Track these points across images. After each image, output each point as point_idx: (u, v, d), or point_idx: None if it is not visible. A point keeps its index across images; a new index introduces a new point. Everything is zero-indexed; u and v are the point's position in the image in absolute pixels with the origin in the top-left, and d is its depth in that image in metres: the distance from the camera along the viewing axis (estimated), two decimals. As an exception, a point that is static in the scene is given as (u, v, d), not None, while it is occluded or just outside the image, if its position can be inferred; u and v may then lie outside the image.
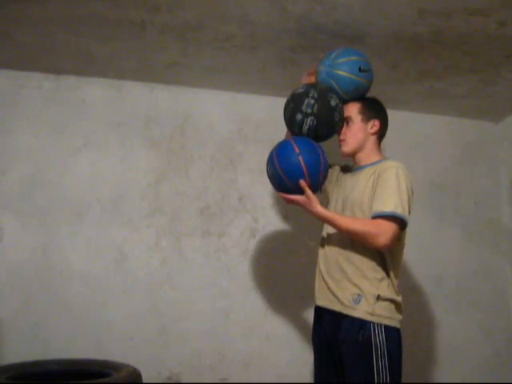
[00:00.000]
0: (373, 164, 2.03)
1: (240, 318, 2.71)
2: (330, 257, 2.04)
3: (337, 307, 1.96)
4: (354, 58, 2.07)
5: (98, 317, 2.53)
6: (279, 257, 2.80)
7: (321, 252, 2.11)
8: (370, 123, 2.06)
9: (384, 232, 1.85)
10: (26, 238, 2.51)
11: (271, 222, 2.82)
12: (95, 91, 2.69)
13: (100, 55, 2.46)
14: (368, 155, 2.07)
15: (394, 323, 1.93)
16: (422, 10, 2.05)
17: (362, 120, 2.06)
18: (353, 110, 2.07)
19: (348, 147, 2.08)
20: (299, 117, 2.00)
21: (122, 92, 2.73)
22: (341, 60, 2.06)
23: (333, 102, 2.01)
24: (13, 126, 2.57)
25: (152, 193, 2.70)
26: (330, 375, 2.03)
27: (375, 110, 2.09)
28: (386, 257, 1.94)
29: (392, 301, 1.93)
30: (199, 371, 2.62)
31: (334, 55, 2.09)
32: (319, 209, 1.93)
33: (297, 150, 1.93)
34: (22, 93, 2.60)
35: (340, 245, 2.01)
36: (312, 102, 1.99)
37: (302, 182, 1.91)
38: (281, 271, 2.79)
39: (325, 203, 2.11)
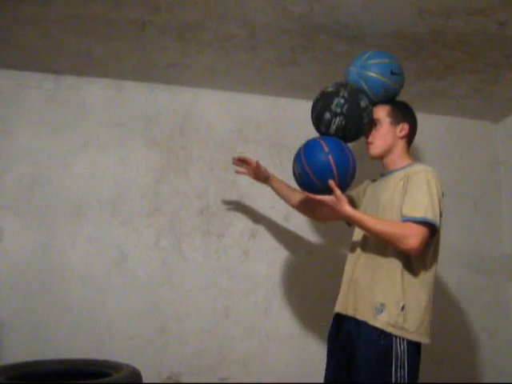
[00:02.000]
0: (402, 169, 2.00)
1: (240, 318, 2.71)
2: (360, 262, 2.00)
3: (358, 315, 1.92)
4: (386, 60, 2.06)
5: (98, 317, 2.53)
6: (279, 257, 2.80)
7: (350, 257, 2.08)
8: (399, 126, 2.04)
9: (414, 234, 1.81)
10: (26, 238, 2.51)
11: (271, 222, 2.82)
12: (95, 91, 2.69)
13: (100, 55, 2.46)
14: (397, 159, 2.04)
15: (417, 338, 1.88)
16: (422, 10, 2.06)
17: (391, 123, 2.04)
18: (382, 112, 2.05)
19: (376, 150, 2.05)
20: (328, 116, 1.96)
21: (121, 92, 2.72)
22: (373, 61, 2.05)
23: (363, 103, 1.98)
24: (13, 126, 2.57)
25: (152, 193, 2.69)
26: (341, 380, 1.98)
27: (405, 113, 2.06)
28: (414, 263, 1.91)
29: (418, 313, 1.90)
30: (199, 371, 2.62)
31: (366, 56, 2.07)
32: (348, 209, 1.89)
33: (326, 149, 1.90)
34: (22, 93, 2.60)
35: (371, 250, 1.97)
36: (342, 101, 1.95)
37: (332, 182, 1.87)
38: (281, 271, 2.78)
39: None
